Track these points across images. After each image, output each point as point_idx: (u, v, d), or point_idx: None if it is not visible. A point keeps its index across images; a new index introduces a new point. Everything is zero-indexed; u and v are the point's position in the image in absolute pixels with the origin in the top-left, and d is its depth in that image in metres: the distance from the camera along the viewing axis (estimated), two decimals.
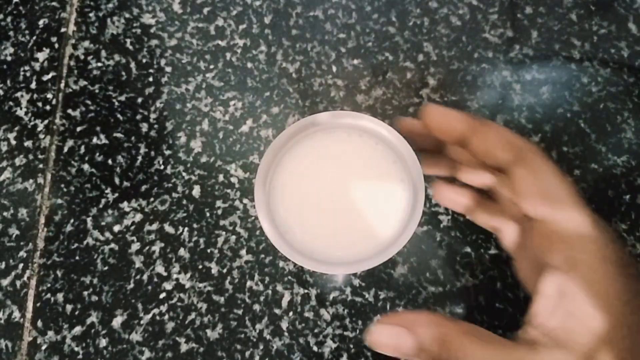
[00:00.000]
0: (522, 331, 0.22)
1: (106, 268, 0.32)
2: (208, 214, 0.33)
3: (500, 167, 0.24)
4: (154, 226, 0.33)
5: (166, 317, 0.32)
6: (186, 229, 0.33)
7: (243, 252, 0.33)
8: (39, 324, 0.32)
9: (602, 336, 0.20)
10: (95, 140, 0.35)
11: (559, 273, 0.21)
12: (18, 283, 0.32)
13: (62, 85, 0.36)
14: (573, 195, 0.22)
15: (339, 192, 0.26)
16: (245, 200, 0.33)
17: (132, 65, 0.36)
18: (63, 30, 0.37)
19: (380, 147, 0.26)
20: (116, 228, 0.33)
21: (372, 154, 0.26)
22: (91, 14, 0.37)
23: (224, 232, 0.33)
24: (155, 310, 0.32)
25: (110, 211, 0.34)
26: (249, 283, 0.32)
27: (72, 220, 0.33)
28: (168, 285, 0.32)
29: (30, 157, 0.35)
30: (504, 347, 0.20)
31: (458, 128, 0.23)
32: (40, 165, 0.35)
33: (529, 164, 0.23)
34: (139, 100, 0.36)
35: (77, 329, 0.32)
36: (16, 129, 0.35)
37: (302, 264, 0.24)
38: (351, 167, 0.26)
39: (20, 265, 0.33)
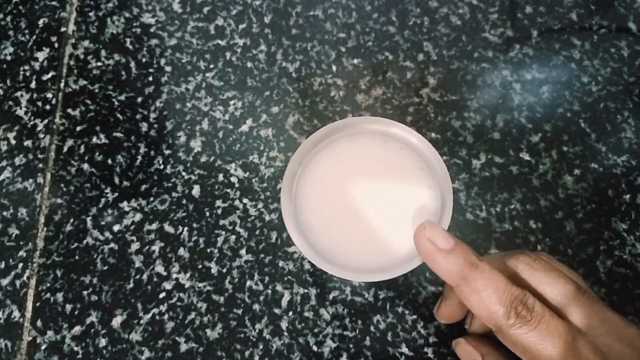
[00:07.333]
0: None
1: (106, 268, 0.32)
2: (208, 214, 0.33)
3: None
4: (154, 226, 0.33)
5: (166, 316, 0.32)
6: (186, 228, 0.33)
7: (243, 251, 0.33)
8: (39, 323, 0.32)
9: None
10: (95, 139, 0.35)
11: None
12: (18, 283, 0.32)
13: (62, 84, 0.36)
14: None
15: (365, 198, 0.25)
16: (245, 200, 0.33)
17: (132, 64, 0.36)
18: (63, 29, 0.37)
19: (405, 153, 0.26)
20: (116, 228, 0.33)
21: (397, 159, 0.26)
22: (91, 14, 0.37)
23: (223, 232, 0.33)
24: (155, 310, 0.32)
25: (110, 211, 0.34)
26: (248, 283, 0.32)
27: (71, 220, 0.33)
28: (168, 285, 0.32)
29: (30, 156, 0.35)
30: None
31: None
32: (40, 165, 0.34)
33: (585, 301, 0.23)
34: (139, 99, 0.36)
35: (77, 329, 0.31)
36: (16, 128, 0.35)
37: (327, 269, 0.24)
38: (377, 172, 0.26)
39: (20, 265, 0.33)
